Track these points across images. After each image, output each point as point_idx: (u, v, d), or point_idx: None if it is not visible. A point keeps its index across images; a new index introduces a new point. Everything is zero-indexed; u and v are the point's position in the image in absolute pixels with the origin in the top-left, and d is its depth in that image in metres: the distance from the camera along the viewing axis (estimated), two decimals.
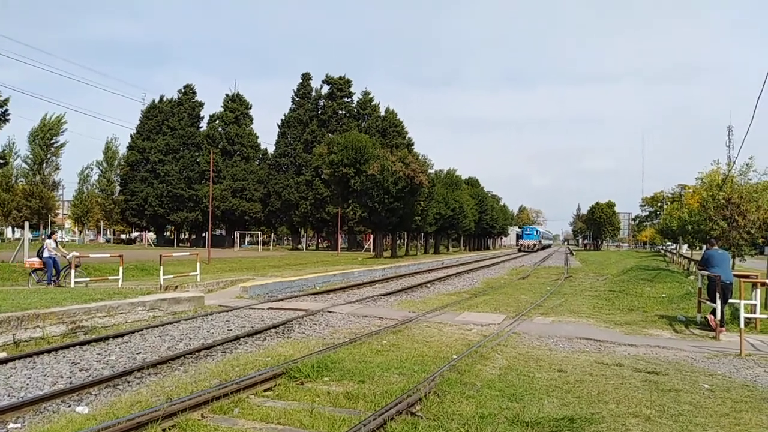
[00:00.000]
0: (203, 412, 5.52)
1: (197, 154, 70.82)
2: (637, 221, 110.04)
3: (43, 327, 9.67)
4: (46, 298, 11.51)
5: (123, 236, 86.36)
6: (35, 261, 16.03)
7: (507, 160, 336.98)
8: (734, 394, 6.59)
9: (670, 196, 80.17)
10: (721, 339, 10.41)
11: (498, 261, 47.25)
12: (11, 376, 7.16)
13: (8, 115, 31.91)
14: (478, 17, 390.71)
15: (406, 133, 69.31)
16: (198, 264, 18.99)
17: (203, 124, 73.89)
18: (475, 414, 5.48)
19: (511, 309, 14.40)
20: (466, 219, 63.35)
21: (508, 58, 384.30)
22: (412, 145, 67.61)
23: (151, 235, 78.50)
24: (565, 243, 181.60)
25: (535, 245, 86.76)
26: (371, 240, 58.44)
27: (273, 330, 10.85)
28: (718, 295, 10.85)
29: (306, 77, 71.06)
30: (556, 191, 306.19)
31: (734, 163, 23.71)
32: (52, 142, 71.77)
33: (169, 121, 70.56)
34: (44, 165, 71.86)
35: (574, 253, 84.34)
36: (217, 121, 71.47)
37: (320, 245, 75.57)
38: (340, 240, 62.65)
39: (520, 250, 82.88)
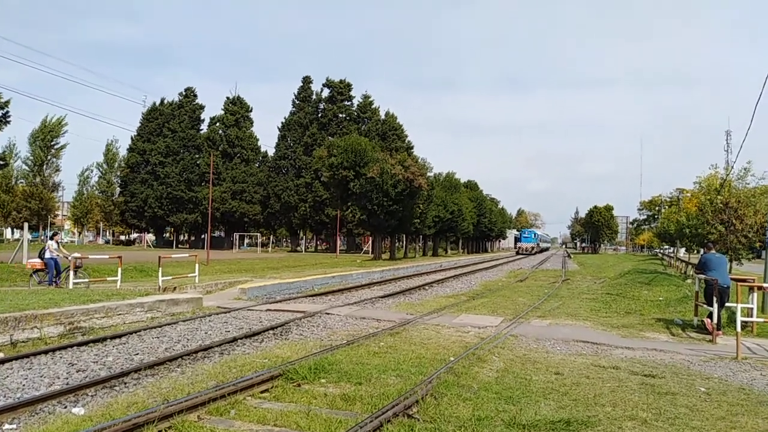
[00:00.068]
0: (200, 414, 5.52)
1: (197, 156, 70.83)
2: (635, 225, 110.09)
3: (40, 328, 9.66)
4: (44, 298, 11.51)
5: (122, 237, 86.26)
6: (37, 262, 16.03)
7: (505, 164, 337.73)
8: (730, 398, 6.61)
9: (668, 199, 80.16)
10: (718, 342, 10.43)
11: (496, 264, 47.26)
12: (8, 376, 7.16)
13: (9, 116, 31.87)
14: (476, 21, 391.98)
15: (406, 136, 69.48)
16: (197, 265, 18.98)
17: (204, 127, 74.00)
18: (471, 416, 5.49)
19: (509, 311, 14.41)
20: (464, 222, 63.40)
21: (507, 61, 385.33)
22: (412, 148, 67.72)
23: (150, 237, 78.48)
24: (563, 246, 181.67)
25: (533, 248, 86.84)
26: (370, 242, 58.43)
27: (271, 331, 10.85)
28: (715, 299, 10.88)
29: (306, 80, 71.19)
30: (555, 194, 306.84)
31: (732, 167, 23.79)
32: (52, 143, 71.84)
33: (169, 124, 70.60)
34: (44, 166, 71.92)
35: (572, 256, 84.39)
36: (218, 124, 71.55)
37: (319, 247, 75.55)
38: (339, 242, 62.66)
39: (518, 253, 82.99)
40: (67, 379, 7.18)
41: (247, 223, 71.27)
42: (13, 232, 75.04)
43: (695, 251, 38.46)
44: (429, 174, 49.93)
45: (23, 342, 9.27)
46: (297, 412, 5.61)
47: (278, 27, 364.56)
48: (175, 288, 16.62)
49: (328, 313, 13.39)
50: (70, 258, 15.96)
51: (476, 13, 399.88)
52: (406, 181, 41.15)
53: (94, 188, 78.73)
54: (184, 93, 74.09)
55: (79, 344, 9.07)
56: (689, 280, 21.41)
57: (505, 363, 8.23)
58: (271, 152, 72.68)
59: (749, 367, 8.43)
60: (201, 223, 68.37)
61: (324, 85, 69.85)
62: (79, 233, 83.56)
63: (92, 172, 78.85)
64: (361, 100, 69.87)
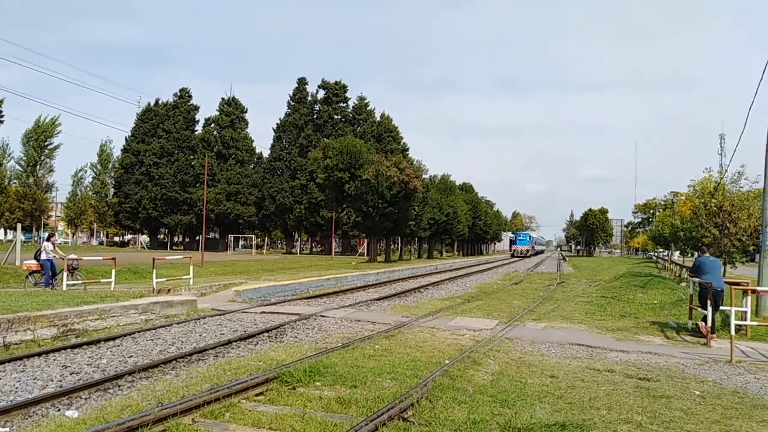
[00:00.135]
0: (194, 417, 5.50)
1: (192, 157, 70.68)
2: (630, 228, 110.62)
3: (34, 330, 9.60)
4: (37, 300, 11.44)
5: (116, 239, 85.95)
6: (32, 263, 15.95)
7: (503, 165, 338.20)
8: (725, 401, 6.63)
9: (662, 203, 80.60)
10: (712, 346, 10.47)
11: (491, 266, 47.34)
12: (0, 379, 7.10)
13: (2, 116, 31.82)
14: (475, 21, 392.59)
15: (401, 138, 69.50)
16: (191, 267, 18.92)
17: (198, 128, 73.89)
18: (467, 420, 5.49)
19: (504, 314, 14.43)
20: (459, 224, 63.49)
21: (505, 62, 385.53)
22: (407, 150, 67.74)
23: (144, 238, 78.20)
24: (558, 249, 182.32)
25: (528, 251, 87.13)
26: (365, 244, 58.41)
27: (265, 334, 10.82)
28: (709, 302, 10.91)
29: (302, 82, 71.21)
30: (550, 197, 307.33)
31: (726, 171, 23.92)
32: (46, 144, 71.67)
33: (164, 124, 70.43)
34: (38, 167, 71.69)
35: (567, 259, 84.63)
36: (213, 125, 71.41)
37: (314, 249, 75.45)
38: (334, 244, 62.58)
39: (513, 256, 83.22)
40: (60, 381, 7.14)
41: (242, 225, 71.14)
42: (6, 233, 74.64)
43: (689, 254, 38.73)
44: (424, 176, 50.02)
45: (16, 344, 9.20)
46: (292, 415, 5.59)
47: (275, 29, 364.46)
48: (169, 290, 16.57)
49: (323, 316, 13.37)
50: (65, 259, 15.89)
51: (475, 14, 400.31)
52: (401, 183, 41.19)
53: (88, 189, 78.55)
54: (178, 94, 73.98)
55: (73, 346, 9.01)
56: (684, 284, 21.50)
57: (500, 366, 8.24)
58: (266, 153, 72.72)
59: (743, 371, 8.46)
60: (195, 225, 68.18)
61: (319, 87, 69.91)
62: (73, 234, 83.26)
63: (86, 172, 78.84)
64: (356, 102, 69.93)
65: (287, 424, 5.34)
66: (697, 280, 12.01)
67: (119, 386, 6.93)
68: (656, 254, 70.85)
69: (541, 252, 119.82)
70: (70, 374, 7.47)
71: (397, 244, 59.44)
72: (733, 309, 9.83)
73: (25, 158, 70.76)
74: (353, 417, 5.54)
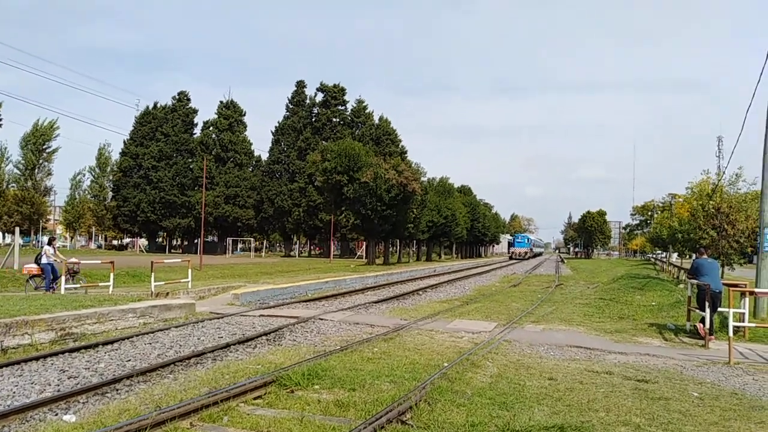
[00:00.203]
0: (192, 421, 5.49)
1: (190, 160, 70.69)
2: (628, 230, 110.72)
3: (31, 334, 9.58)
4: (35, 304, 11.41)
5: (114, 242, 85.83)
6: (33, 267, 15.90)
7: (499, 168, 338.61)
8: (723, 403, 6.64)
9: (660, 205, 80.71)
10: (710, 347, 10.49)
11: (489, 269, 47.32)
12: None
13: (0, 119, 31.77)
14: (473, 23, 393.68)
15: (400, 141, 69.66)
16: (189, 271, 18.89)
17: (197, 131, 73.92)
18: (465, 422, 5.49)
19: (503, 317, 14.43)
20: (458, 227, 63.52)
21: (502, 65, 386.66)
22: (405, 153, 67.91)
23: (142, 242, 78.09)
24: (557, 251, 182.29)
25: (526, 253, 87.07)
26: (364, 247, 58.39)
27: (264, 337, 10.81)
28: (707, 304, 10.94)
29: (300, 85, 71.32)
30: (548, 199, 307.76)
31: (724, 172, 23.98)
32: (44, 147, 71.38)
33: (162, 128, 70.44)
34: (36, 170, 71.43)
35: (565, 261, 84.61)
36: (211, 128, 71.47)
37: (313, 252, 75.43)
38: (332, 247, 62.57)
39: (511, 258, 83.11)
40: (58, 385, 7.12)
41: (241, 228, 71.13)
42: (4, 237, 74.48)
43: (687, 256, 38.74)
44: (422, 179, 50.09)
45: (14, 348, 9.17)
46: (290, 418, 5.58)
47: (273, 32, 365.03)
48: (167, 293, 16.53)
49: (321, 319, 13.35)
50: (66, 263, 15.86)
51: (473, 16, 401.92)
52: (399, 186, 41.21)
53: (87, 192, 78.31)
54: (177, 97, 74.04)
55: (71, 350, 9.00)
56: (682, 285, 21.54)
57: (498, 368, 8.23)
58: (264, 157, 72.73)
59: (741, 372, 8.47)
60: (194, 228, 68.15)
61: (318, 90, 70.05)
62: (71, 238, 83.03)
63: (84, 176, 78.52)
64: (354, 105, 70.07)
65: (286, 428, 5.33)
66: (695, 281, 12.03)
67: (117, 390, 6.92)
68: (654, 256, 70.94)
69: (540, 254, 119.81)
70: (68, 378, 7.45)
71: (396, 247, 59.42)
72: (731, 310, 9.84)
73: (23, 162, 70.52)
74: (352, 420, 5.54)
